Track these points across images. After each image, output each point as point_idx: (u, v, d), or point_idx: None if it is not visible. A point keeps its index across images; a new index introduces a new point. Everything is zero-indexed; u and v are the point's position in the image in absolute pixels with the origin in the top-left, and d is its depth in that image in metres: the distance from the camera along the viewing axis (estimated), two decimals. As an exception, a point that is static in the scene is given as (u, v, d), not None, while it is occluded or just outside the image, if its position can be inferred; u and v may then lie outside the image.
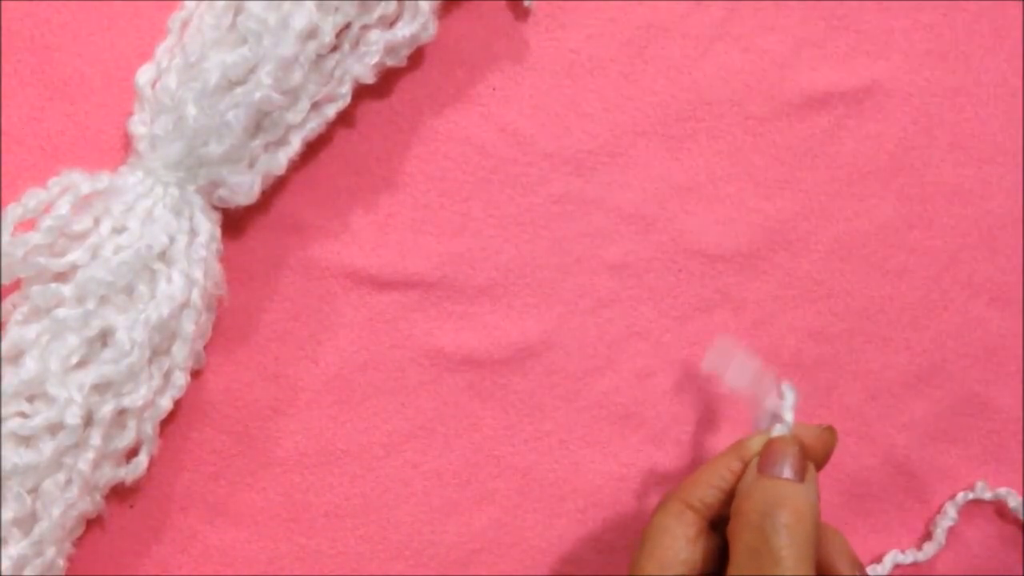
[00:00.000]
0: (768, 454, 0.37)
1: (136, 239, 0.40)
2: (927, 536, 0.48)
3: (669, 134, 0.48)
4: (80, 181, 0.41)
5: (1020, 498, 0.47)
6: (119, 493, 0.43)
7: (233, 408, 0.44)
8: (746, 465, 0.38)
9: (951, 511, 0.47)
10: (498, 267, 0.46)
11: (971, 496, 0.47)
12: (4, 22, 0.44)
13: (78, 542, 0.41)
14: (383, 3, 0.43)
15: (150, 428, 0.41)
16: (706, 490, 0.37)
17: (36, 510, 0.38)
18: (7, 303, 0.40)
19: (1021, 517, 0.48)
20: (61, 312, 0.39)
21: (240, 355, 0.44)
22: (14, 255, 0.39)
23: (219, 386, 0.44)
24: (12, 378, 0.38)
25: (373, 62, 0.44)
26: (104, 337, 0.40)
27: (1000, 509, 0.48)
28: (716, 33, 0.48)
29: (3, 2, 0.44)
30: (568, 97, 0.47)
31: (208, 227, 0.42)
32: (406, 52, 0.45)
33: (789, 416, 0.39)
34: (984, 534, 0.48)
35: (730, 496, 0.37)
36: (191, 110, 0.40)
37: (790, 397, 0.40)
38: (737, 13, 0.49)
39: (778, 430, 0.39)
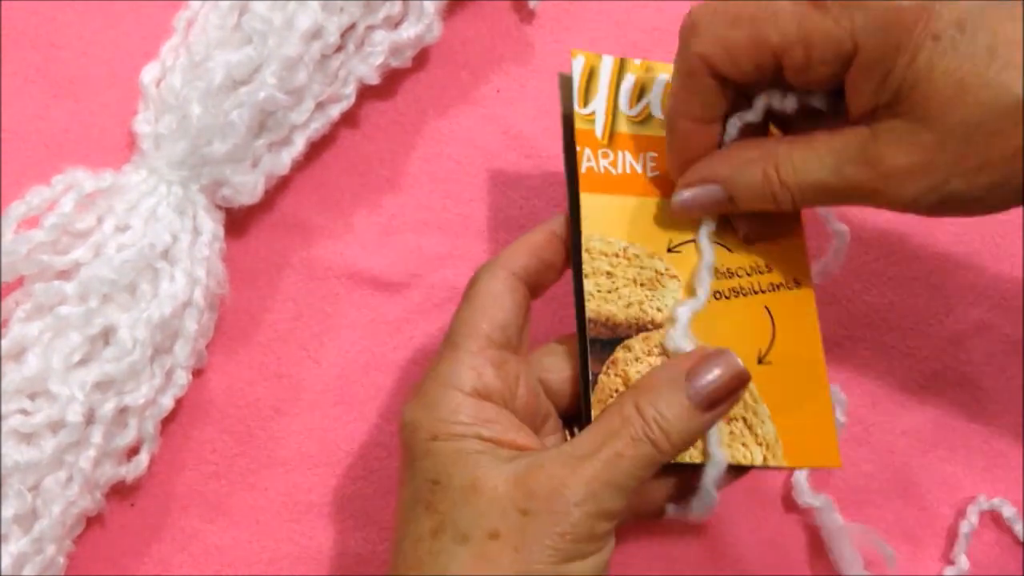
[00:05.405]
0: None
1: (139, 237, 0.40)
2: (940, 556, 0.47)
3: (672, 138, 0.48)
4: (84, 179, 0.41)
5: (1015, 508, 0.47)
6: (120, 491, 0.42)
7: (235, 407, 0.44)
8: (560, 238, 0.38)
9: (965, 529, 0.47)
10: (501, 269, 0.46)
11: (976, 511, 0.47)
12: (9, 20, 0.44)
13: (78, 540, 0.41)
14: (388, 4, 0.43)
15: (151, 427, 0.41)
16: (528, 260, 0.37)
17: (37, 508, 0.38)
18: (10, 300, 0.40)
19: (1016, 528, 0.47)
20: (64, 310, 0.39)
21: (242, 354, 0.44)
22: (17, 252, 0.39)
23: (221, 385, 0.44)
24: (14, 375, 0.38)
25: (377, 63, 0.44)
26: (106, 335, 0.40)
27: (996, 518, 0.48)
28: (720, 37, 0.48)
29: (7, 1, 0.44)
30: (572, 100, 0.47)
31: (211, 226, 0.42)
32: (411, 53, 0.45)
33: None
34: (983, 543, 0.48)
35: (546, 265, 0.37)
36: (195, 109, 0.40)
37: None
38: (741, 17, 0.49)
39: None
